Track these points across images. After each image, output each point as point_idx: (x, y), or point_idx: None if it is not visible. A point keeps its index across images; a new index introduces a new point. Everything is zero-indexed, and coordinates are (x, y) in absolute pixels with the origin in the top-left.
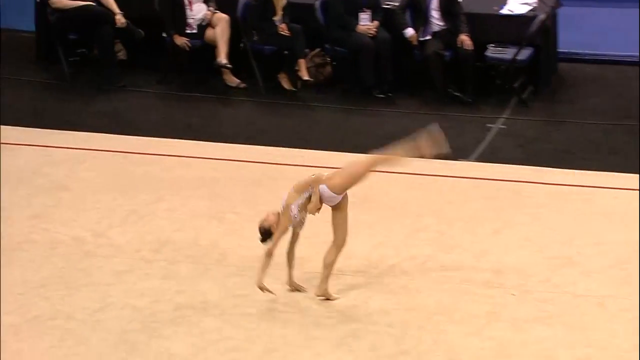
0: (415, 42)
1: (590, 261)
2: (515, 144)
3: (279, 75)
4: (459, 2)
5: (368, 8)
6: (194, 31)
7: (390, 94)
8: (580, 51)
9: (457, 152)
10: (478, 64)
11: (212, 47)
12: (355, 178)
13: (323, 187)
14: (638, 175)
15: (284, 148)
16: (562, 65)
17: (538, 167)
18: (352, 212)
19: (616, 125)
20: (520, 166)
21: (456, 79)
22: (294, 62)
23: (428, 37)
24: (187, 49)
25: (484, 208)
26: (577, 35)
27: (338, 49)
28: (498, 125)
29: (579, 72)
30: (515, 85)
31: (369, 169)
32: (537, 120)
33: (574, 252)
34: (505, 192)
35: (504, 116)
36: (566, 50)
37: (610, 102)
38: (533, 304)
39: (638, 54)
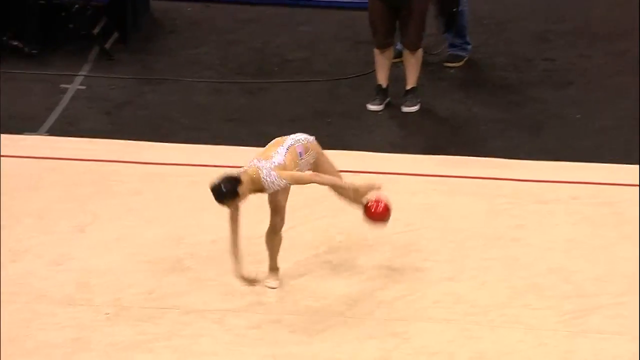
0: None
1: None
2: (100, 110)
3: None
4: None
5: None
6: None
7: None
8: None
9: (22, 123)
10: (42, 2)
11: None
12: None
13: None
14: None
15: None
16: (156, 4)
17: (131, 141)
18: None
19: (230, 83)
20: (109, 140)
21: (11, 24)
22: None
23: None
24: None
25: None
26: None
27: None
28: (76, 86)
29: (178, 14)
30: (95, 31)
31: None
32: (127, 78)
33: None
34: (87, 175)
35: (83, 73)
36: None
37: (220, 53)
38: None
39: None
